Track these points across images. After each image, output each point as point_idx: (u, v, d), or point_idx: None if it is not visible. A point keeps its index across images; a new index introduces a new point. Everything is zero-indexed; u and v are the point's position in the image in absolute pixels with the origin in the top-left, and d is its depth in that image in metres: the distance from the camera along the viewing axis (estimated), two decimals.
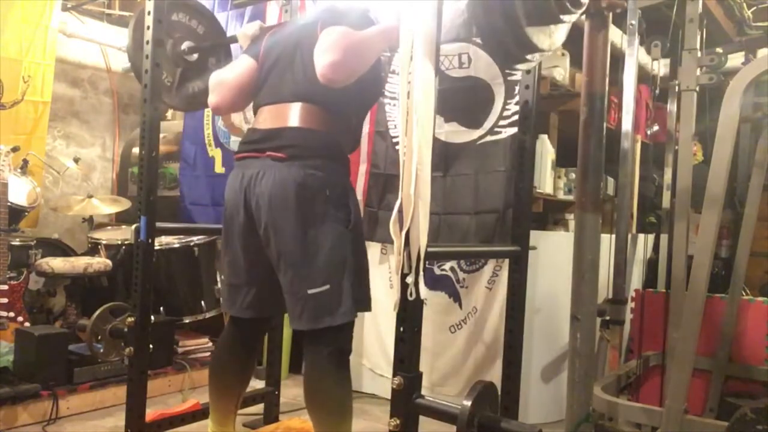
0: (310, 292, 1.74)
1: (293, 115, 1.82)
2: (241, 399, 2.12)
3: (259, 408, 2.66)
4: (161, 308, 3.32)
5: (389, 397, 1.41)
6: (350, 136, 1.96)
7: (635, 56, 2.75)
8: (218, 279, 3.49)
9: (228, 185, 1.90)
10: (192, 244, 3.41)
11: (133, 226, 2.17)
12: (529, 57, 1.49)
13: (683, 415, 1.85)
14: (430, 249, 1.35)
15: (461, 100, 2.80)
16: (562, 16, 1.43)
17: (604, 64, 1.77)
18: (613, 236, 2.84)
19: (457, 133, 2.83)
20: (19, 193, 3.21)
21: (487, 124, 2.75)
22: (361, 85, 1.77)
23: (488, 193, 2.73)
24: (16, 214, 3.15)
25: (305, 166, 1.74)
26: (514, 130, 2.57)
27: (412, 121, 1.30)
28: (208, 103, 2.02)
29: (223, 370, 2.04)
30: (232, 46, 2.57)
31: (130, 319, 2.17)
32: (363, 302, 1.83)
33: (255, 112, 1.97)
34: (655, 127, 3.59)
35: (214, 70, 2.09)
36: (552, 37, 1.52)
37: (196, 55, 2.44)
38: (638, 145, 3.44)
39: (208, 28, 2.54)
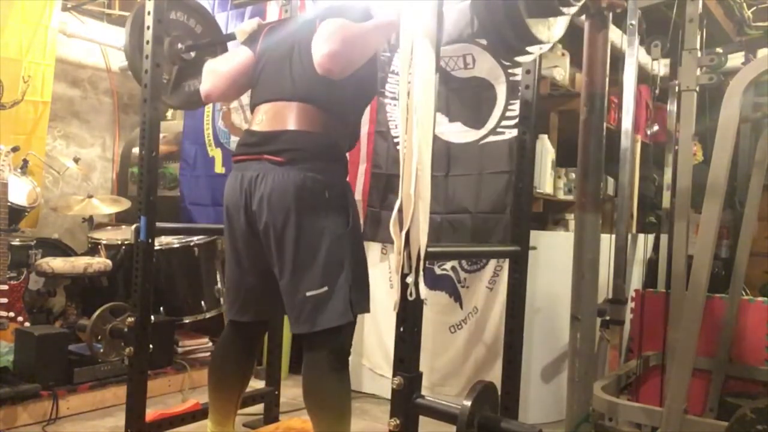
0: (308, 294, 1.73)
1: (291, 117, 1.80)
2: (241, 399, 2.11)
3: (259, 408, 2.66)
4: (161, 308, 3.32)
5: (389, 397, 1.41)
6: (348, 135, 1.95)
7: (635, 56, 2.75)
8: (218, 279, 3.49)
9: (227, 188, 1.88)
10: (192, 244, 3.41)
11: (133, 226, 2.17)
12: (529, 49, 1.49)
13: (683, 415, 1.85)
14: (430, 249, 1.35)
15: (466, 100, 2.80)
16: (562, 8, 1.44)
17: (604, 64, 1.78)
18: (613, 236, 2.84)
19: (460, 133, 2.83)
20: (19, 193, 3.21)
21: (490, 124, 2.76)
22: (357, 82, 1.77)
23: (491, 193, 2.73)
24: (16, 214, 3.15)
25: (304, 169, 1.73)
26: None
27: (412, 121, 1.30)
28: (200, 90, 2.00)
29: (223, 370, 2.04)
30: (230, 45, 2.57)
31: (130, 319, 2.17)
32: (361, 304, 1.83)
33: (252, 110, 1.96)
34: (655, 127, 3.59)
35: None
36: (551, 30, 1.52)
37: (193, 54, 2.45)
38: (638, 145, 3.44)
39: (205, 27, 2.54)
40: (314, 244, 1.74)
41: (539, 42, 1.48)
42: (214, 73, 1.98)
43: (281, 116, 1.82)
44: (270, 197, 1.74)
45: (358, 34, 1.70)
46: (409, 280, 1.33)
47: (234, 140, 3.68)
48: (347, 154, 1.95)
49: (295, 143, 1.77)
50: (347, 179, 1.93)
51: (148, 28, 2.14)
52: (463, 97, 2.80)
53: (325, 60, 1.64)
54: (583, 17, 1.74)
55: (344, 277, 1.76)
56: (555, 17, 1.49)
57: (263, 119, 1.86)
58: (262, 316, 2.01)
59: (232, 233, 1.90)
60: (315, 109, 1.80)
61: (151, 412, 2.30)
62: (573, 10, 1.51)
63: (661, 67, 3.14)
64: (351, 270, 1.78)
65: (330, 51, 1.64)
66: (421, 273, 1.34)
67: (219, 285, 3.47)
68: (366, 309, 1.86)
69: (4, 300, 2.87)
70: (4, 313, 2.86)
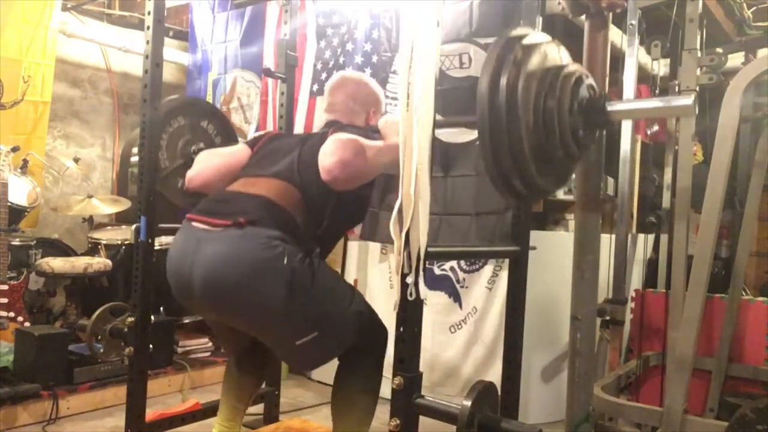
0: (298, 343, 1.67)
1: (269, 186, 1.71)
2: (252, 398, 2.16)
3: (259, 408, 2.66)
4: (161, 308, 3.32)
5: (389, 397, 1.41)
6: (314, 240, 1.76)
7: (635, 56, 2.75)
8: None
9: (173, 250, 1.74)
10: None
11: (133, 226, 2.17)
12: (535, 198, 1.49)
13: (683, 415, 1.85)
14: (430, 249, 1.35)
15: (462, 100, 2.80)
16: (568, 162, 1.42)
17: (604, 64, 1.77)
18: (613, 236, 2.84)
19: (457, 134, 2.84)
20: (19, 193, 3.21)
21: None
22: (348, 199, 1.73)
23: (488, 194, 2.73)
24: (16, 214, 3.15)
25: (261, 235, 1.59)
26: None
27: (412, 121, 1.30)
28: (186, 174, 1.98)
29: (240, 367, 2.07)
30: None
31: (130, 319, 2.17)
32: (362, 313, 1.82)
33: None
34: (655, 127, 3.59)
35: None
36: (558, 181, 1.51)
37: None
38: (638, 145, 3.44)
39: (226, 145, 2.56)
40: (282, 307, 1.63)
41: (547, 192, 1.48)
42: (205, 161, 1.96)
43: (258, 184, 1.74)
44: (222, 272, 1.60)
45: (369, 149, 1.68)
46: (409, 280, 1.33)
47: None
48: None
49: (260, 207, 1.66)
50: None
51: (148, 28, 2.14)
52: (458, 97, 2.80)
53: (334, 166, 1.61)
54: (583, 17, 1.74)
55: (331, 316, 1.72)
56: (562, 169, 1.47)
57: (239, 184, 1.79)
58: (244, 349, 2.03)
59: (185, 299, 1.78)
60: (295, 192, 1.71)
61: (151, 412, 2.30)
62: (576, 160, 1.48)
63: (661, 67, 3.14)
64: (335, 307, 1.74)
65: (341, 159, 1.61)
66: (421, 273, 1.34)
67: None
68: (366, 313, 1.84)
69: (4, 300, 2.87)
70: (4, 313, 2.86)
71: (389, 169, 1.74)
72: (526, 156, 1.26)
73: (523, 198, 1.43)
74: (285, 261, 1.59)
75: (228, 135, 2.56)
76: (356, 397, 1.82)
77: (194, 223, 1.70)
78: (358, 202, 1.87)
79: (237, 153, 1.96)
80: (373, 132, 1.86)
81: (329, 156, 1.63)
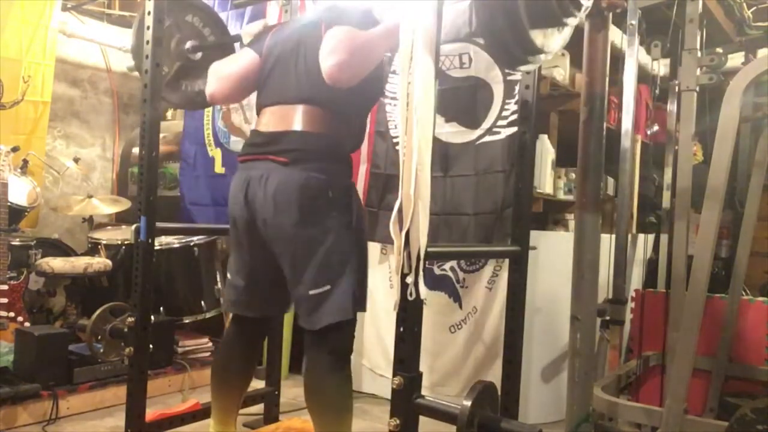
0: (311, 293, 1.76)
1: (296, 118, 1.82)
2: (243, 398, 2.14)
3: (259, 408, 2.66)
4: (161, 308, 3.32)
5: (389, 397, 1.41)
6: (352, 136, 1.96)
7: (635, 56, 2.75)
8: (218, 279, 3.48)
9: (232, 187, 1.90)
10: (192, 244, 3.41)
11: (133, 226, 2.17)
12: (530, 59, 1.50)
13: (683, 415, 1.85)
14: (430, 249, 1.35)
15: (461, 100, 2.80)
16: (564, 19, 1.44)
17: (604, 64, 1.77)
18: (613, 236, 2.84)
19: (456, 134, 2.83)
20: (19, 193, 3.21)
21: (486, 124, 2.75)
22: (363, 85, 1.76)
23: (487, 193, 2.73)
24: (16, 214, 3.15)
25: (307, 169, 1.76)
26: (513, 130, 2.57)
27: (412, 121, 1.30)
28: (205, 92, 2.01)
29: (226, 369, 2.06)
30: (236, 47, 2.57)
31: (130, 319, 2.17)
32: (360, 303, 1.84)
33: (258, 113, 1.97)
34: (655, 127, 3.59)
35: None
36: (553, 40, 1.52)
37: (199, 55, 2.45)
38: (638, 145, 3.44)
39: (218, 38, 2.54)
40: (317, 243, 1.76)
41: (541, 52, 1.49)
42: (219, 75, 1.99)
43: (286, 118, 1.84)
44: (274, 197, 1.76)
45: (365, 43, 1.70)
46: (409, 280, 1.33)
47: (234, 140, 3.68)
48: (351, 156, 1.95)
49: (299, 144, 1.79)
50: (352, 179, 1.94)
51: (148, 28, 2.15)
52: (458, 97, 2.80)
53: (333, 70, 1.65)
54: (584, 17, 1.74)
55: (347, 276, 1.77)
56: (557, 27, 1.49)
57: (269, 120, 1.89)
58: (265, 312, 2.04)
59: (236, 231, 1.92)
60: (319, 111, 1.81)
61: (151, 412, 2.30)
62: (574, 21, 1.51)
63: (661, 67, 3.14)
64: (354, 268, 1.80)
65: (338, 61, 1.64)
66: (421, 273, 1.34)
67: (219, 285, 3.47)
68: (363, 308, 1.87)
69: (4, 300, 2.87)
70: (4, 313, 2.86)
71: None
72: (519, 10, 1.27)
73: (517, 59, 1.44)
74: (330, 194, 1.76)
75: (216, 24, 2.53)
76: (330, 394, 1.80)
77: (247, 162, 1.88)
78: (368, 91, 1.92)
79: (247, 60, 1.99)
80: (368, 13, 1.85)
81: (328, 58, 1.66)
